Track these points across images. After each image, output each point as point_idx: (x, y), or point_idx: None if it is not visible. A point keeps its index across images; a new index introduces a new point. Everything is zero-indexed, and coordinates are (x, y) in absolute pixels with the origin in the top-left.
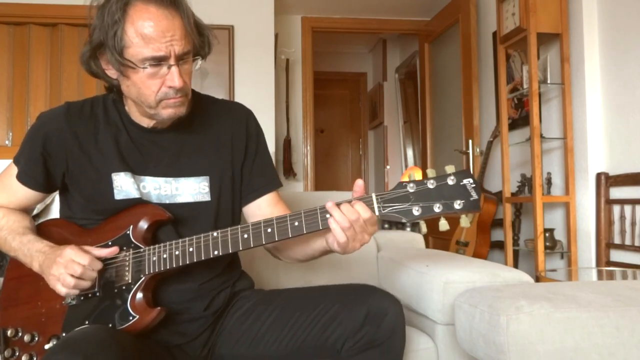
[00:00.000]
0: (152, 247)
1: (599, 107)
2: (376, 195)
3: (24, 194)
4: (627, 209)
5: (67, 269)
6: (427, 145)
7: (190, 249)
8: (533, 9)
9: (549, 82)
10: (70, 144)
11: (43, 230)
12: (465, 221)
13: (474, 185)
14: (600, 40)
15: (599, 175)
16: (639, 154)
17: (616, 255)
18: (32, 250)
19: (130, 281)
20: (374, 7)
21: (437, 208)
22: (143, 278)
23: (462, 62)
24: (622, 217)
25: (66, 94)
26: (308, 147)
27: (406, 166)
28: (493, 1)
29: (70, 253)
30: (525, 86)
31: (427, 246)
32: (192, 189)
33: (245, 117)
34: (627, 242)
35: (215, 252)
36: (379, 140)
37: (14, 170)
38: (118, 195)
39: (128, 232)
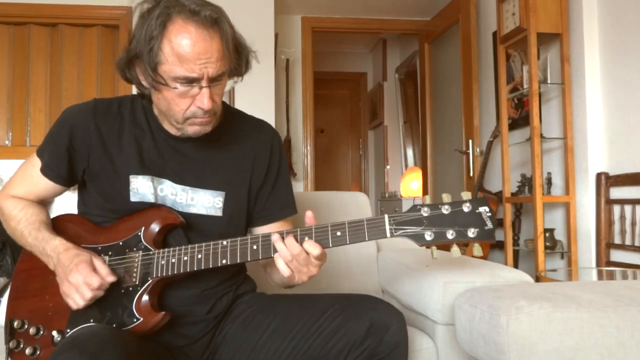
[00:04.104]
0: (161, 250)
1: (599, 107)
2: (389, 217)
3: (45, 186)
4: (627, 209)
5: (79, 292)
6: (427, 145)
7: (199, 256)
8: (533, 8)
9: (549, 82)
10: (94, 141)
11: (58, 224)
12: (478, 250)
13: (489, 214)
14: (600, 40)
15: (599, 175)
16: (639, 154)
17: (616, 255)
18: (46, 249)
19: (137, 283)
20: (374, 7)
21: (450, 235)
22: (150, 281)
23: (462, 62)
24: (622, 217)
25: (66, 94)
26: (308, 147)
27: (406, 166)
28: (493, 1)
29: (80, 278)
30: (525, 86)
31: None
32: (207, 202)
33: (270, 139)
34: (627, 242)
35: (224, 261)
36: (379, 140)
37: (37, 162)
38: (133, 198)
39: (139, 233)
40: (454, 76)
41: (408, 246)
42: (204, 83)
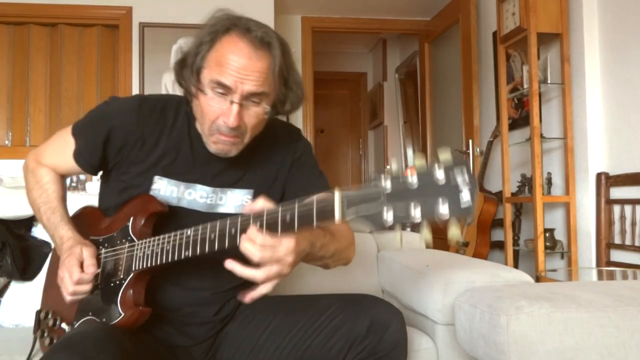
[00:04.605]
0: (141, 241)
1: (599, 107)
2: (341, 195)
3: (73, 167)
4: (627, 209)
5: (63, 285)
6: (427, 146)
7: (168, 247)
8: (533, 8)
9: (549, 82)
10: (132, 141)
11: (80, 214)
12: (454, 232)
13: (467, 180)
14: (600, 40)
15: (599, 175)
16: (639, 154)
17: (616, 255)
18: (55, 236)
19: (122, 276)
20: (374, 7)
21: (414, 212)
22: (132, 274)
23: (462, 62)
24: (622, 217)
25: (66, 94)
26: None
27: (406, 166)
28: (493, 1)
29: (65, 272)
30: (525, 86)
31: (427, 246)
32: (236, 201)
33: (296, 139)
34: (627, 242)
35: (186, 253)
36: (379, 140)
37: (72, 142)
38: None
39: (128, 224)
40: (454, 76)
41: (408, 246)
42: (235, 98)
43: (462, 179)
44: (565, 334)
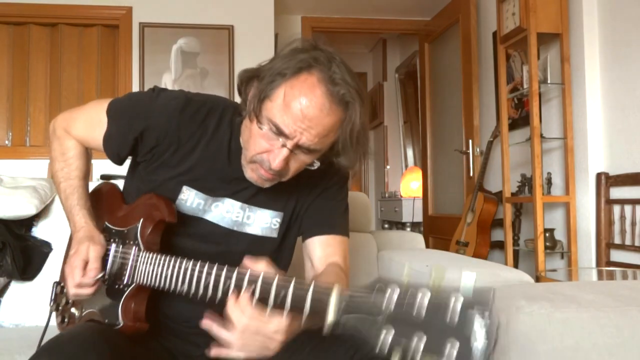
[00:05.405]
0: (147, 254)
1: (599, 107)
2: (340, 294)
3: (100, 146)
4: (627, 209)
5: (66, 283)
6: (427, 145)
7: (167, 273)
8: (533, 8)
9: (549, 82)
10: (167, 144)
11: (101, 192)
12: None
13: (484, 325)
14: (600, 40)
15: (599, 175)
16: (639, 154)
17: (616, 255)
18: (69, 219)
19: (126, 282)
20: (374, 7)
21: (416, 344)
22: (133, 285)
23: (462, 62)
24: (622, 217)
25: (66, 94)
26: None
27: (406, 166)
28: (493, 1)
29: (69, 269)
30: (525, 86)
31: (427, 246)
32: (264, 222)
33: (335, 169)
34: (627, 242)
35: (182, 289)
36: (379, 140)
37: (105, 121)
38: (179, 207)
39: (138, 225)
40: (454, 76)
41: (408, 246)
42: (288, 144)
43: (479, 324)
44: (565, 334)
